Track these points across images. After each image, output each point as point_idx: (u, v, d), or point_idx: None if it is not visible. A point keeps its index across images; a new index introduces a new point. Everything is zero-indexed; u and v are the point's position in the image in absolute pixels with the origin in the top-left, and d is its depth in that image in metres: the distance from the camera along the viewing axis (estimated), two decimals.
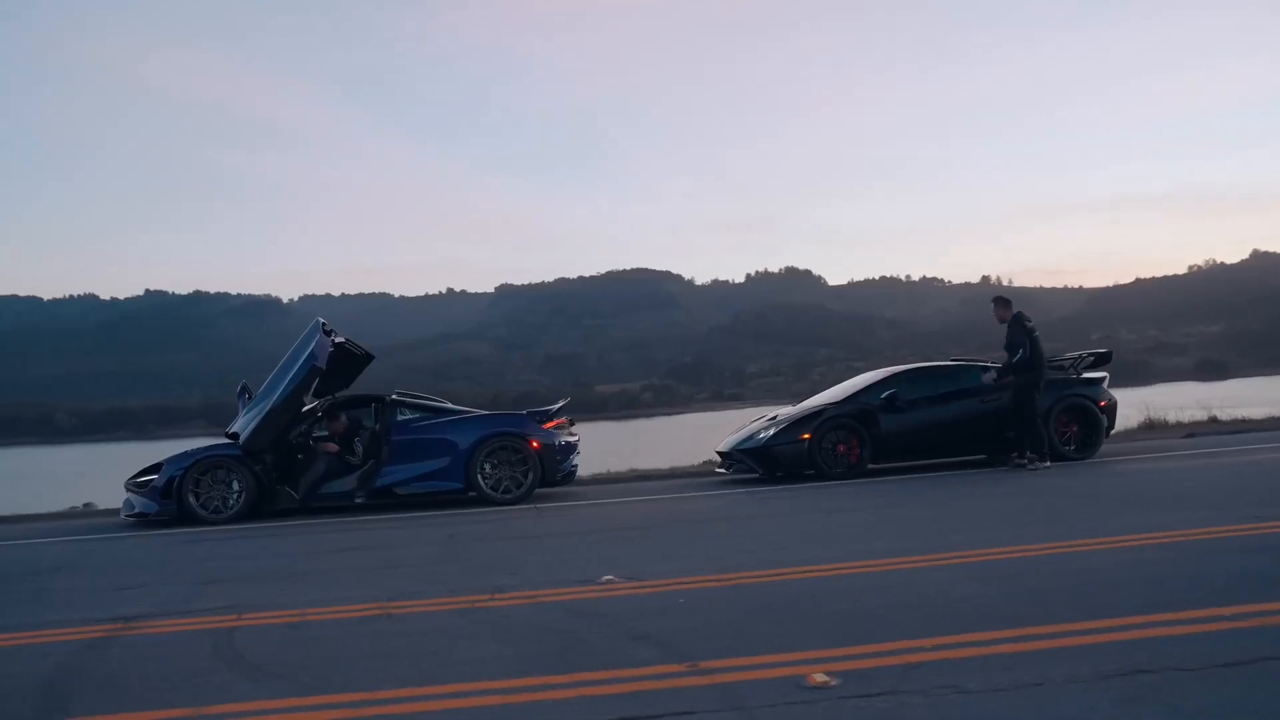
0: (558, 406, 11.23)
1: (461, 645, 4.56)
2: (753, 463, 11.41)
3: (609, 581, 5.91)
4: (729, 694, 3.64)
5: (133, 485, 10.31)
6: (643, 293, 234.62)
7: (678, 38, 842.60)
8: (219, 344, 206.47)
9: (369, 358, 11.62)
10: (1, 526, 11.47)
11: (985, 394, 11.53)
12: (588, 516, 9.46)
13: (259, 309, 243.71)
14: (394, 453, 10.48)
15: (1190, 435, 14.84)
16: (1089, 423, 11.60)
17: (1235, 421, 16.63)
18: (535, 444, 10.58)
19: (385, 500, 10.56)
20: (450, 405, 11.43)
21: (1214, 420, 17.03)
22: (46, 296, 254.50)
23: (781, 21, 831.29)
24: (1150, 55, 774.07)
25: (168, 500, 9.98)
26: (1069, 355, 12.57)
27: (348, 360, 11.38)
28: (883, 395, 11.47)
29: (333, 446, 10.73)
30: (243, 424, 10.17)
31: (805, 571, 5.87)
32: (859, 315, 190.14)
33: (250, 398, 10.53)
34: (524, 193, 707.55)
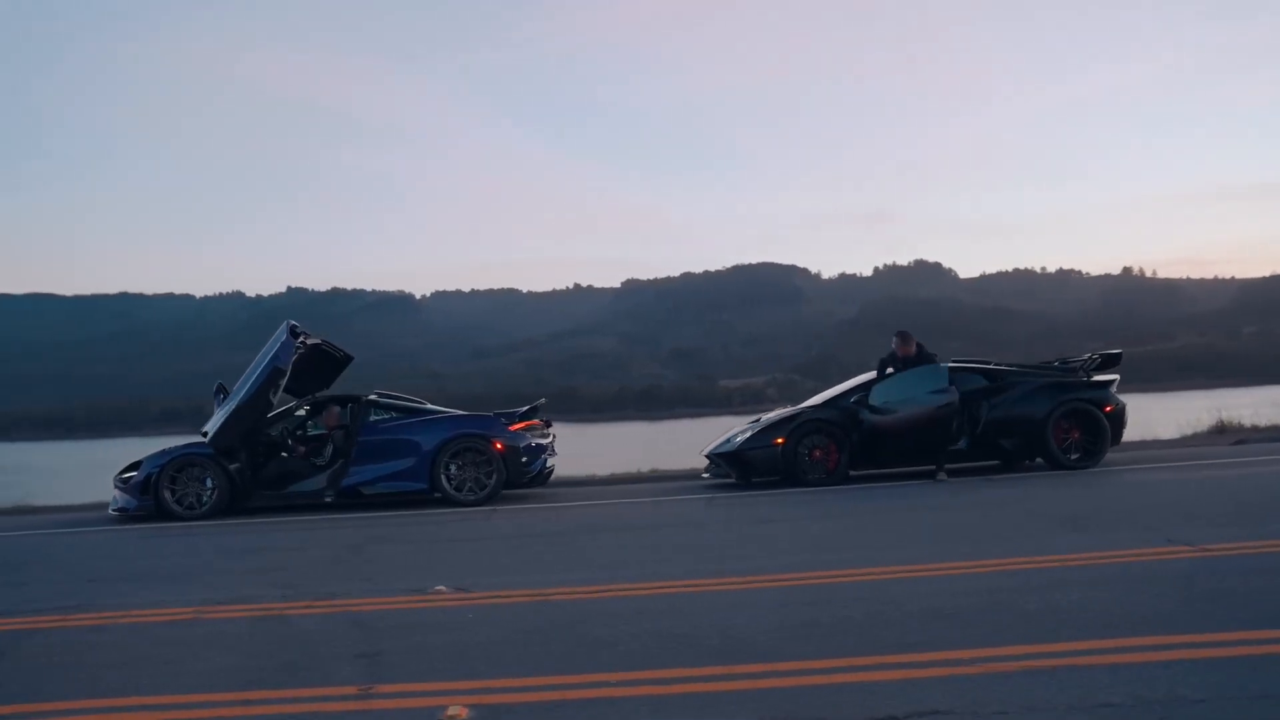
0: (525, 409, 11.19)
1: (205, 655, 4.61)
2: (728, 467, 11.13)
3: (437, 592, 5.87)
4: None
5: (119, 481, 10.80)
6: (768, 286, 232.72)
7: (802, 30, 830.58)
8: (355, 338, 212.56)
9: (348, 359, 11.87)
10: (6, 519, 12.17)
11: (983, 398, 10.93)
12: (531, 520, 9.41)
13: (393, 305, 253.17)
14: (361, 453, 10.66)
15: (1240, 442, 13.72)
16: (1092, 429, 10.83)
17: None
18: (499, 446, 10.58)
19: (355, 500, 10.73)
20: (429, 406, 11.56)
21: None
22: (199, 294, 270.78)
23: (908, 10, 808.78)
24: None
25: (145, 496, 10.43)
26: (1085, 355, 11.80)
27: (327, 361, 11.65)
28: (860, 398, 11.01)
29: (300, 449, 11.02)
30: (212, 423, 10.54)
31: (629, 590, 5.69)
32: (991, 308, 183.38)
33: (225, 398, 10.88)
34: (650, 188, 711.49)
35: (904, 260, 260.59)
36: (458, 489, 10.55)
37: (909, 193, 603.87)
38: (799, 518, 8.68)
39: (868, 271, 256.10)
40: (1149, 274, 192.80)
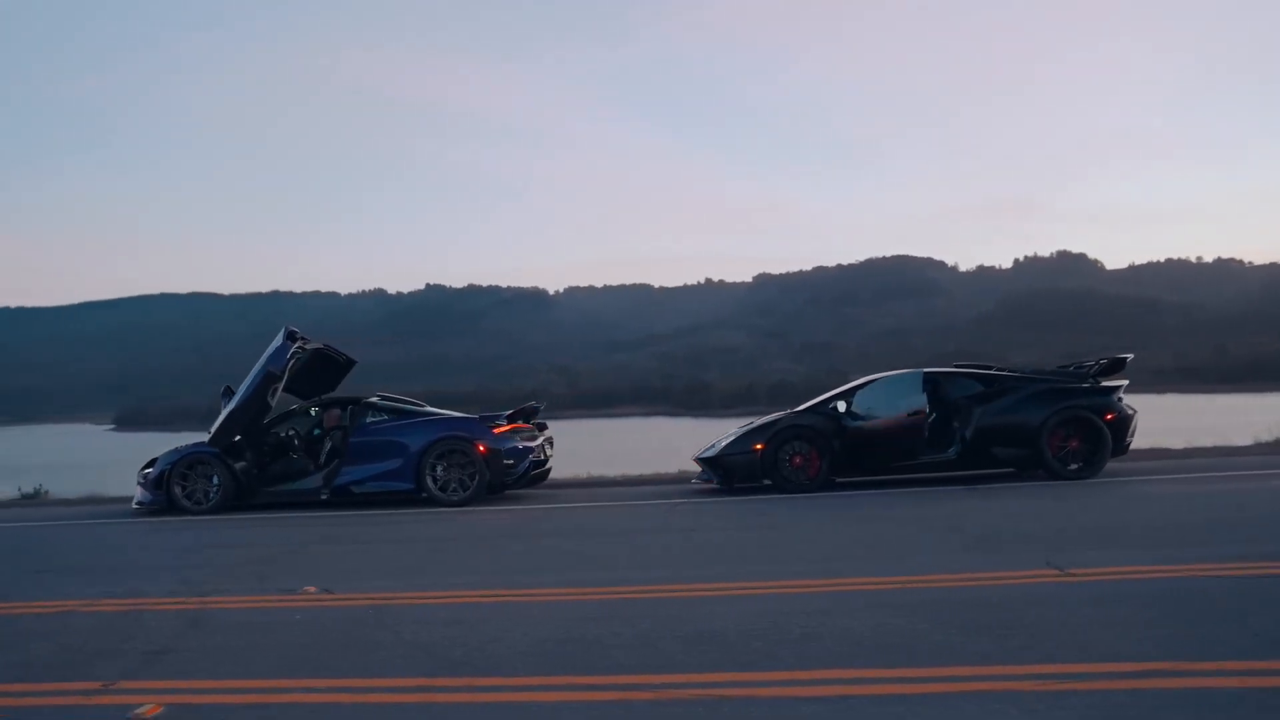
0: (509, 412, 11.41)
1: (25, 647, 5.05)
2: (710, 472, 11.10)
3: (304, 592, 6.18)
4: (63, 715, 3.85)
5: (140, 477, 11.59)
6: (903, 280, 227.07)
7: (937, 20, 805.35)
8: (491, 333, 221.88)
9: (351, 363, 12.36)
10: (59, 508, 13.20)
11: (975, 404, 10.56)
12: (487, 523, 9.64)
13: (527, 301, 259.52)
14: (352, 453, 11.13)
15: None
16: (1092, 438, 10.31)
17: None
18: (482, 448, 10.86)
19: (348, 499, 11.18)
20: (426, 408, 11.93)
21: None
22: (343, 292, 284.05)
23: None
24: None
25: (159, 492, 11.17)
26: (1091, 360, 11.25)
27: (330, 365, 12.17)
28: (841, 404, 10.80)
29: (300, 449, 11.61)
30: (215, 424, 11.19)
31: (460, 597, 5.87)
32: (1140, 301, 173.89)
33: (230, 399, 11.51)
34: (782, 183, 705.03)
35: (1045, 252, 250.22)
36: (442, 489, 10.88)
37: (1052, 182, 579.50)
38: (730, 528, 8.62)
39: (1007, 264, 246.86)
40: None
